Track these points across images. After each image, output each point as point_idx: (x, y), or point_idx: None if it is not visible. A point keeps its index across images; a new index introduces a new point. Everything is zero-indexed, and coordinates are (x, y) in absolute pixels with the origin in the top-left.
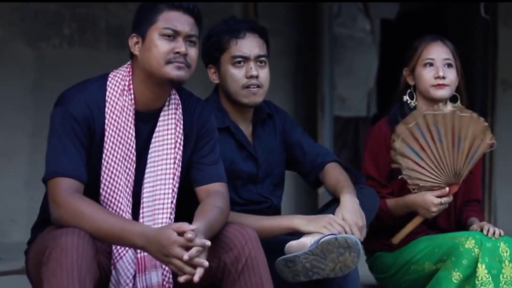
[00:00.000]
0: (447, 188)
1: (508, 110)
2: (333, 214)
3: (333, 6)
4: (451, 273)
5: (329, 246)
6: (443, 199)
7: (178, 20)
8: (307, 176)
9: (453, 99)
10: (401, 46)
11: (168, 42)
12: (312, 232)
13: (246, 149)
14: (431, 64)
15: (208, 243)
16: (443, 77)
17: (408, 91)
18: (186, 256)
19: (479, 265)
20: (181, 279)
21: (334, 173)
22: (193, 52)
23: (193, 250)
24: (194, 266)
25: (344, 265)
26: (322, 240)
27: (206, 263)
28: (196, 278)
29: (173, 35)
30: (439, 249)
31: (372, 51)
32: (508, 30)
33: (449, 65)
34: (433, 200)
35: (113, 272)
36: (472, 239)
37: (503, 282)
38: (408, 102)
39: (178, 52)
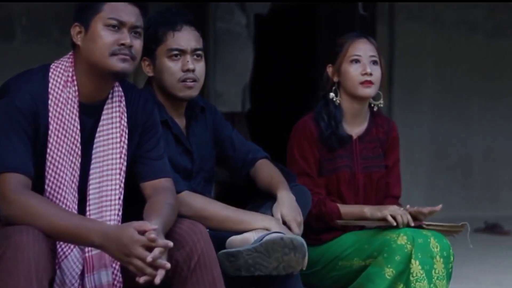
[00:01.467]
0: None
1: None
2: (270, 210)
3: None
4: (383, 269)
5: (274, 245)
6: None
7: (123, 10)
8: (238, 172)
9: (375, 97)
10: (273, 42)
11: (112, 33)
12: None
13: (183, 144)
14: (357, 61)
15: (171, 244)
16: (370, 74)
17: (333, 88)
18: (149, 257)
19: (412, 261)
20: (141, 280)
21: (267, 169)
22: (138, 44)
23: (156, 251)
24: (155, 267)
25: (288, 265)
26: (266, 238)
27: (168, 265)
28: (157, 280)
29: (118, 26)
30: (369, 245)
31: (248, 46)
32: (385, 27)
33: (375, 62)
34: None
35: (58, 271)
36: (404, 235)
37: (435, 278)
38: (334, 99)
39: (123, 44)
